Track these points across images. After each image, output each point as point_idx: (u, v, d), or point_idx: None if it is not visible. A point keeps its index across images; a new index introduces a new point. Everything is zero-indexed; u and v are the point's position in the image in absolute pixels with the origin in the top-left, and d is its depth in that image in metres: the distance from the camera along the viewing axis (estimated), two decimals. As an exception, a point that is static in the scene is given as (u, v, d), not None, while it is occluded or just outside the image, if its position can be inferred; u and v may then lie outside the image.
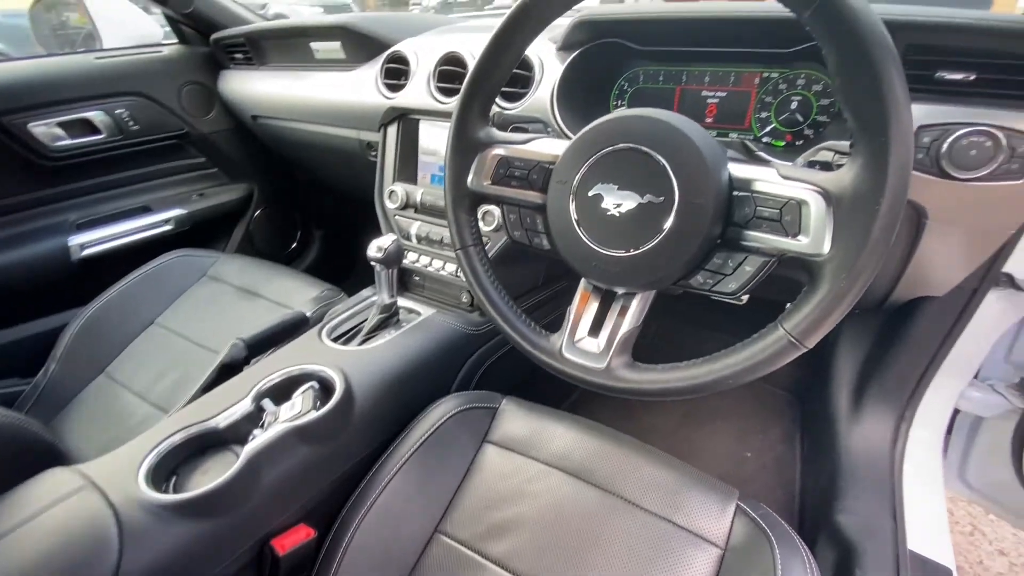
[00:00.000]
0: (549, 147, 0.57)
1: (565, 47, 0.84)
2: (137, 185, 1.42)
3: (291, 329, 1.02)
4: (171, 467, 0.60)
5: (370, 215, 1.13)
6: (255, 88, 1.37)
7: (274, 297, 1.14)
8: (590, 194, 0.51)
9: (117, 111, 1.29)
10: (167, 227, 1.42)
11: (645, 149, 0.48)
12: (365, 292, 1.04)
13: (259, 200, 1.65)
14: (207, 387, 0.87)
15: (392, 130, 1.05)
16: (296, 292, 1.14)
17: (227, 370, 0.89)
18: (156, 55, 1.40)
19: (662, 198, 0.48)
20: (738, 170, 0.47)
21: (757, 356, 0.45)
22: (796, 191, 0.43)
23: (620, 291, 0.55)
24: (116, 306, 1.13)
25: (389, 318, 0.94)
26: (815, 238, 0.42)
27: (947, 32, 0.57)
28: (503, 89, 0.88)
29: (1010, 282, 0.77)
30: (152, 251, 1.24)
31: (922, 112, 0.61)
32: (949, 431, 0.96)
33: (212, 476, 0.57)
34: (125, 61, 1.35)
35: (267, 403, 0.69)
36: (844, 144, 0.52)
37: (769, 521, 0.58)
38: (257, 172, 1.63)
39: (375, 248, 0.85)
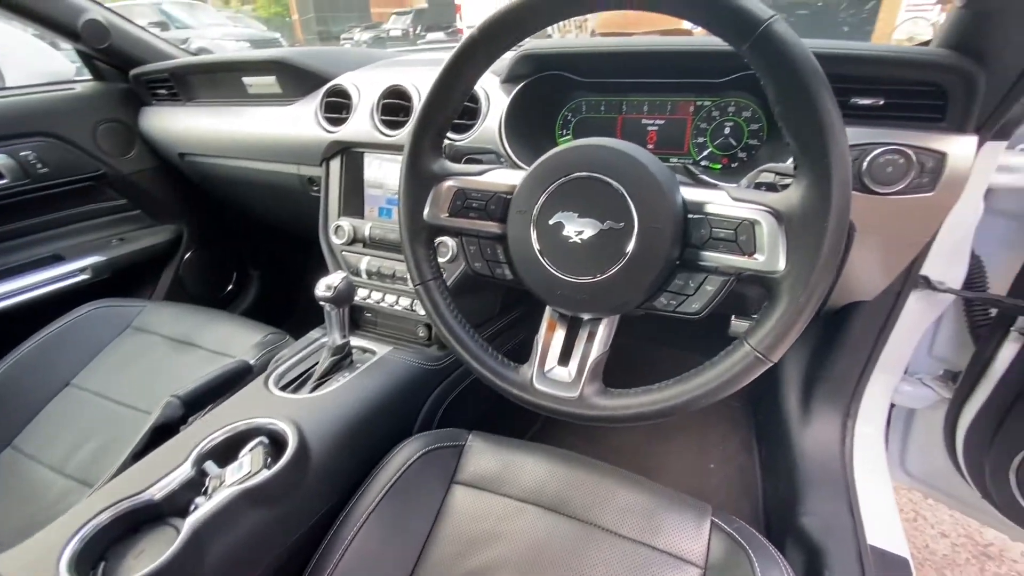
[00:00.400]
0: (505, 177, 0.57)
1: (509, 79, 0.85)
2: (47, 232, 1.29)
3: (233, 380, 0.95)
4: (99, 552, 0.53)
5: (313, 252, 1.08)
6: (182, 125, 1.30)
7: (211, 346, 1.05)
8: (551, 222, 0.52)
9: (22, 153, 1.18)
10: (83, 276, 1.29)
11: (603, 177, 0.49)
12: (313, 334, 0.99)
13: (189, 241, 1.54)
14: (138, 454, 0.78)
15: (335, 164, 1.02)
16: (236, 338, 1.06)
17: (161, 432, 0.81)
18: (67, 92, 1.29)
19: (622, 224, 0.49)
20: (690, 194, 0.49)
21: (727, 374, 0.45)
22: (748, 212, 0.45)
23: (586, 317, 0.55)
24: (24, 367, 1.00)
25: (342, 360, 0.89)
26: (771, 256, 0.44)
27: (858, 63, 0.63)
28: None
29: (927, 284, 0.84)
30: (67, 304, 1.12)
31: (842, 134, 0.67)
32: (887, 425, 1.03)
33: (149, 558, 0.50)
34: (31, 99, 1.24)
35: (210, 466, 0.63)
36: (783, 166, 0.56)
37: (744, 535, 0.59)
38: (186, 212, 1.53)
39: (324, 287, 0.81)
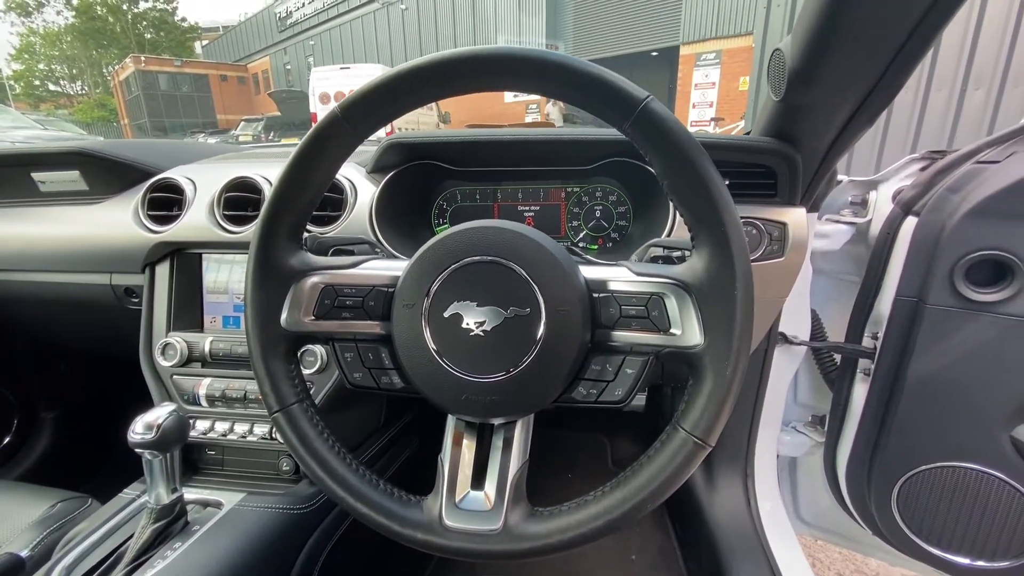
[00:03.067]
0: (385, 268, 0.49)
1: (377, 170, 0.80)
2: None
3: (-15, 589, 0.64)
4: None
5: (134, 380, 0.84)
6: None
7: (-47, 538, 0.72)
8: (447, 315, 0.44)
9: None
10: None
11: (501, 260, 0.44)
12: (128, 492, 0.74)
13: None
14: None
15: (162, 269, 0.84)
16: (6, 517, 0.74)
17: None
18: None
19: (528, 309, 0.43)
20: (591, 272, 0.46)
21: (669, 467, 0.40)
22: (654, 286, 0.43)
23: (499, 422, 0.46)
24: None
25: (171, 523, 0.66)
26: (686, 330, 0.41)
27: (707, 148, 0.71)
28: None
29: (785, 339, 0.93)
30: None
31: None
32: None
33: None
34: None
35: None
36: (671, 241, 0.57)
37: None
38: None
39: (141, 427, 0.61)
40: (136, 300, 0.87)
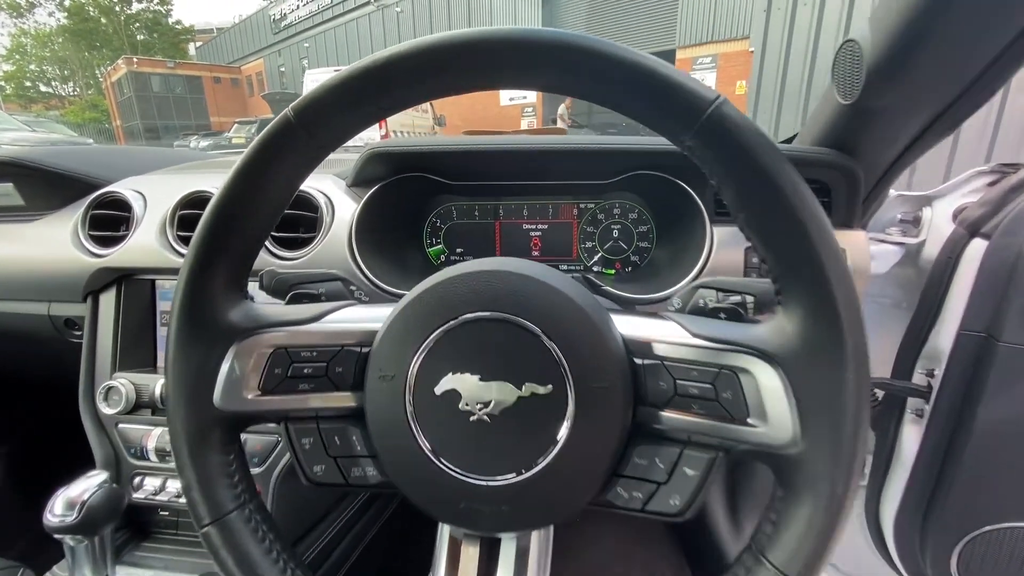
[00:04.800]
0: (356, 321, 0.37)
1: (358, 183, 0.69)
2: None
3: None
4: None
5: (79, 424, 0.72)
6: None
7: None
8: (439, 392, 0.32)
9: None
10: None
11: (514, 319, 0.32)
12: (59, 573, 0.61)
13: None
14: None
15: (107, 299, 0.72)
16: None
17: None
18: None
19: (550, 386, 0.31)
20: (630, 326, 0.35)
21: None
22: (723, 355, 0.31)
23: (509, 536, 0.34)
24: None
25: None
26: (774, 422, 0.29)
27: None
28: (277, 235, 0.67)
29: None
30: None
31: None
32: None
33: None
34: None
35: None
36: (732, 282, 0.45)
37: None
38: None
39: (62, 506, 0.50)
40: (79, 333, 0.75)
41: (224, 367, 0.35)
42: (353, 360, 0.36)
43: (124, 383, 0.69)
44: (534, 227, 0.74)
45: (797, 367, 0.29)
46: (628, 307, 0.63)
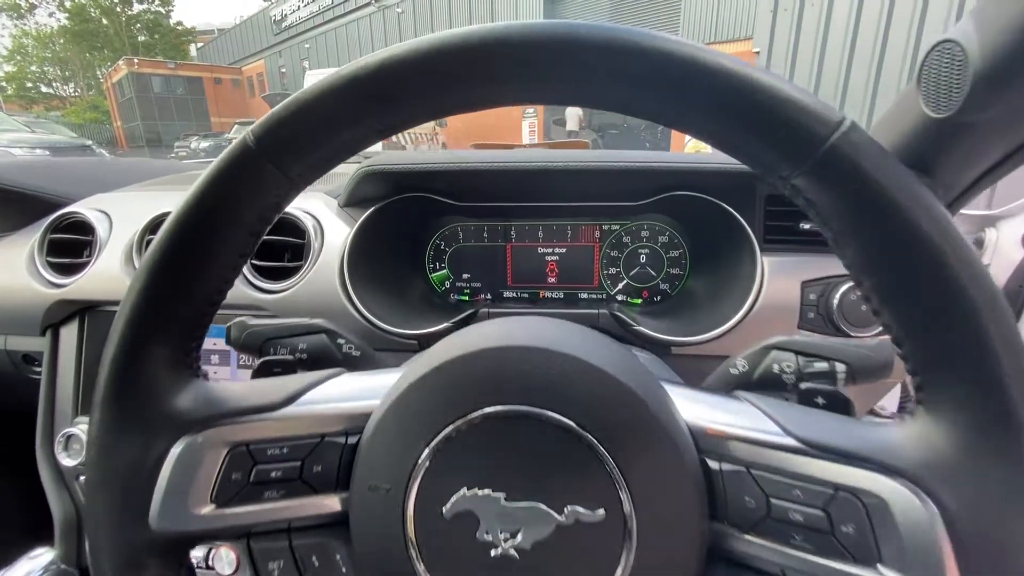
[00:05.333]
0: (342, 399, 0.29)
1: (352, 203, 0.60)
2: None
3: None
4: None
5: (32, 475, 0.64)
6: None
7: None
8: (449, 513, 0.24)
9: None
10: None
11: (545, 414, 0.24)
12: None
13: None
14: None
15: (68, 333, 0.63)
16: None
17: None
18: None
19: (601, 511, 0.23)
20: (694, 410, 0.26)
21: None
22: (843, 471, 0.23)
23: None
24: None
25: None
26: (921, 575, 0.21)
27: None
28: (258, 263, 0.59)
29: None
30: None
31: (800, 266, 0.52)
32: None
33: None
34: None
35: None
36: (815, 343, 0.36)
37: None
38: None
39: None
40: (38, 369, 0.66)
41: (164, 472, 0.26)
42: (337, 454, 0.28)
43: (86, 430, 0.61)
44: (550, 251, 0.66)
45: (958, 498, 0.21)
46: (662, 350, 0.55)
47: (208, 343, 0.62)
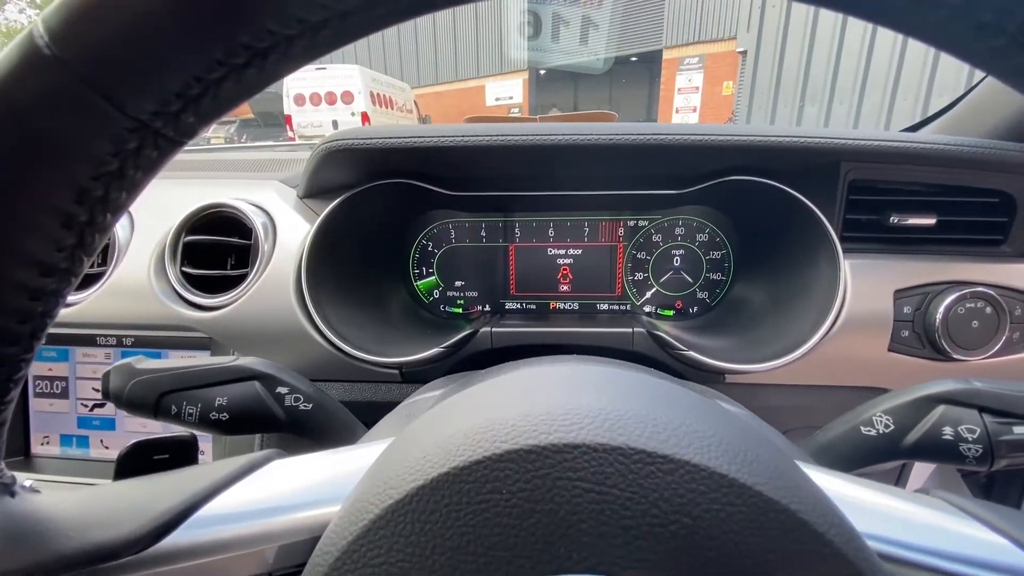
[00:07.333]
0: (269, 517, 0.16)
1: (314, 193, 0.47)
2: None
3: None
4: None
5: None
6: None
7: None
8: None
9: None
10: None
11: None
12: None
13: None
14: None
15: None
16: None
17: None
18: None
19: None
20: (874, 522, 0.15)
21: None
22: None
23: None
24: None
25: None
26: None
27: (895, 160, 0.40)
28: (192, 272, 0.45)
29: None
30: None
31: (891, 270, 0.41)
32: None
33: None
34: None
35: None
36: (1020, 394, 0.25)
37: None
38: None
39: None
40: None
41: None
42: None
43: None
44: (563, 252, 0.54)
45: None
46: (708, 376, 0.43)
47: (42, 368, 0.49)
